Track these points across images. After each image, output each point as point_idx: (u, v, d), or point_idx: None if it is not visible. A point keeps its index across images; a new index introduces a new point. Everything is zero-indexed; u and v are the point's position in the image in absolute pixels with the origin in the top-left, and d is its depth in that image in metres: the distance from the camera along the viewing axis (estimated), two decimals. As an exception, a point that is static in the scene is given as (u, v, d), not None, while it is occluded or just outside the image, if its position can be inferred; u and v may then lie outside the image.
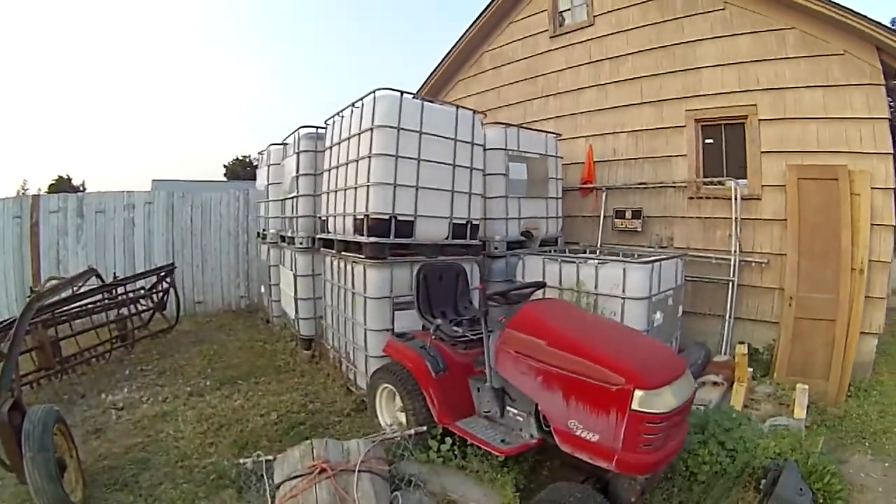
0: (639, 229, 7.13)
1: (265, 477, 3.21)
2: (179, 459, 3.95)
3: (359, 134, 4.79)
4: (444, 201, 5.02)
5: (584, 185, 7.61)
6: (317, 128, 6.37)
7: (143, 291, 7.14)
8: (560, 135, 7.10)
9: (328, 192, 5.49)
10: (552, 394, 2.97)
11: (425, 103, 4.95)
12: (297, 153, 6.37)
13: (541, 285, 4.17)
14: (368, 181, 4.59)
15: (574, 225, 7.76)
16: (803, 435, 4.52)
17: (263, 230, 8.07)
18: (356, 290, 4.86)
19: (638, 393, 2.60)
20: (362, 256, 4.65)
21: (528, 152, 6.41)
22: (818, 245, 5.70)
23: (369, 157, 4.60)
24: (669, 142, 6.96)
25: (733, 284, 6.17)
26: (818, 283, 5.67)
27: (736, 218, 6.22)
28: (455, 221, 5.11)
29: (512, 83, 8.96)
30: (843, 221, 5.58)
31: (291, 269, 6.53)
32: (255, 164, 10.24)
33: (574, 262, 5.20)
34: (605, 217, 7.48)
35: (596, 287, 4.94)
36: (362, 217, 4.68)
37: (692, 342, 6.24)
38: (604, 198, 7.49)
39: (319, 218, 5.87)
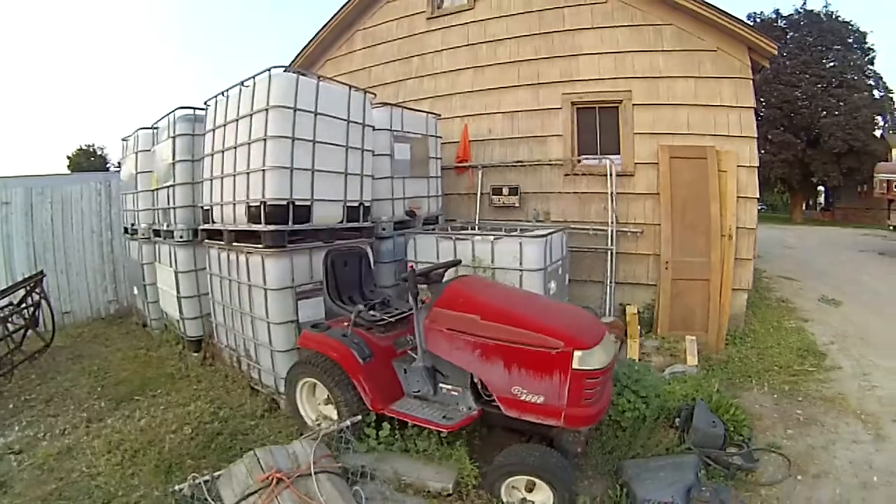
0: (516, 205, 7.34)
1: (210, 500, 2.91)
2: (106, 500, 3.38)
3: (250, 115, 4.38)
4: (339, 184, 4.79)
5: (460, 164, 7.67)
6: (194, 109, 5.75)
7: (11, 308, 5.91)
8: (440, 115, 7.05)
9: (212, 179, 4.96)
10: (492, 365, 3.10)
11: (320, 83, 4.62)
12: (173, 137, 5.69)
13: (456, 263, 4.21)
14: (264, 165, 4.22)
15: (451, 203, 7.79)
16: (701, 378, 5.07)
17: (132, 225, 7.13)
18: (253, 283, 4.50)
19: (577, 353, 2.88)
20: (259, 246, 4.31)
21: (411, 133, 6.27)
22: (689, 215, 6.35)
23: (264, 139, 4.22)
24: (545, 123, 7.24)
25: (612, 253, 6.60)
26: (691, 249, 6.34)
27: (612, 192, 6.65)
28: (349, 204, 4.89)
29: (385, 63, 8.72)
30: (711, 194, 6.26)
31: (171, 266, 5.90)
32: (102, 153, 8.91)
33: (468, 239, 5.22)
34: (482, 194, 7.61)
35: (493, 262, 5.06)
36: (258, 204, 4.30)
37: (579, 306, 6.62)
38: (480, 175, 7.60)
39: (201, 208, 5.28)
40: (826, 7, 25.87)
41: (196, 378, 5.42)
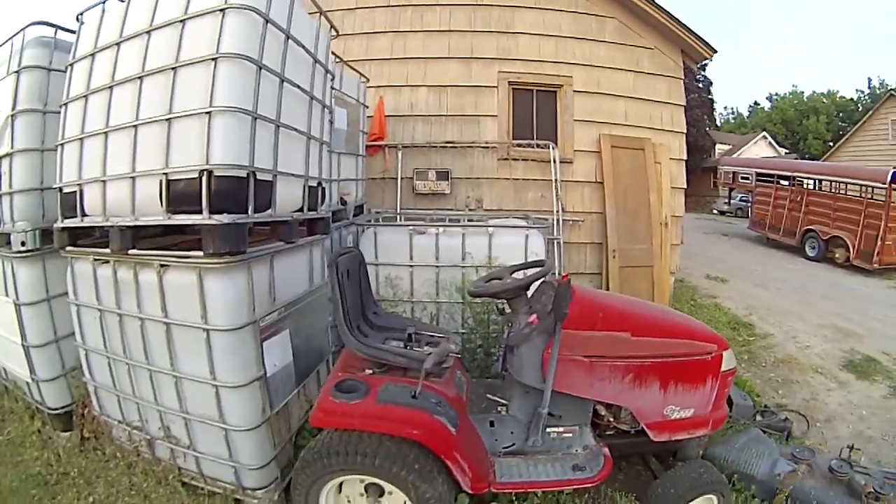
0: (447, 192, 5.93)
1: None
2: None
3: (182, 21, 2.27)
4: (300, 151, 2.83)
5: (374, 143, 5.83)
6: (57, 28, 3.16)
7: None
8: (368, 79, 5.15)
9: (82, 139, 2.64)
10: (645, 389, 2.45)
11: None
12: (17, 72, 3.04)
13: (541, 263, 2.85)
14: (211, 105, 2.13)
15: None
16: None
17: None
18: (177, 320, 2.38)
19: (725, 354, 2.53)
20: (192, 254, 2.25)
21: (348, 95, 4.32)
22: (630, 204, 5.95)
23: (214, 59, 2.15)
24: (479, 101, 5.99)
25: (558, 243, 5.67)
26: (634, 236, 5.98)
27: (556, 179, 5.74)
28: (310, 183, 2.94)
29: None
30: (651, 184, 5.98)
31: (6, 294, 3.27)
32: None
33: (459, 234, 3.80)
34: (402, 179, 5.97)
35: (490, 259, 3.74)
36: (193, 176, 2.17)
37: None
38: (399, 157, 5.98)
39: (59, 190, 2.83)
40: None
41: (83, 479, 2.98)
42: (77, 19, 2.78)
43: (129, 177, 2.36)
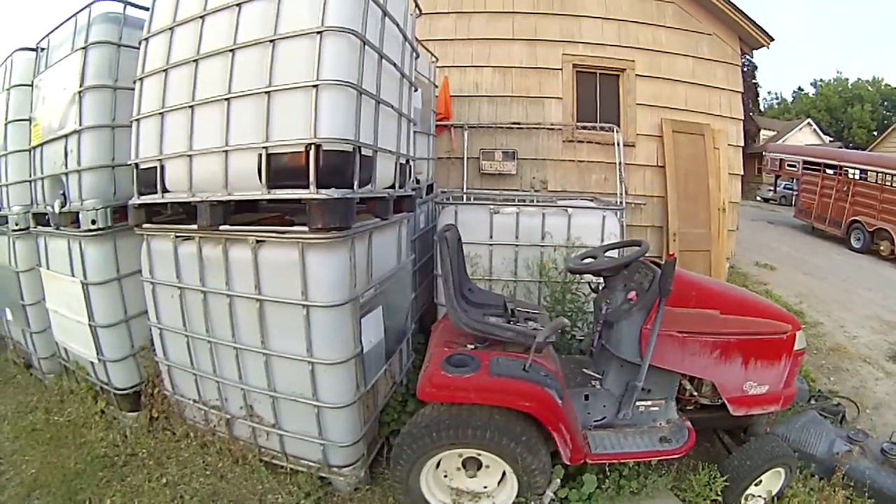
0: (513, 172, 5.92)
1: None
2: None
3: None
4: (393, 128, 2.82)
5: (440, 122, 5.81)
6: (126, 3, 3.12)
7: None
8: (438, 59, 5.16)
9: (163, 113, 2.61)
10: (729, 364, 2.55)
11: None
12: (84, 49, 2.98)
13: (638, 243, 2.81)
14: (318, 79, 2.09)
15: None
16: None
17: (-4, 211, 3.79)
18: (273, 297, 2.36)
19: (798, 335, 2.61)
20: (295, 230, 2.24)
21: (422, 75, 4.32)
22: (691, 188, 6.00)
23: (319, 32, 2.11)
24: (543, 83, 6.00)
25: (622, 224, 5.49)
26: (694, 221, 5.97)
27: (620, 162, 5.75)
28: (400, 160, 2.96)
29: None
30: (710, 169, 5.99)
31: (72, 275, 3.22)
32: None
33: (539, 213, 3.81)
34: (468, 159, 6.00)
35: (569, 239, 3.78)
36: (300, 150, 2.13)
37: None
38: (465, 137, 6.01)
39: (135, 167, 2.78)
40: None
41: (154, 460, 2.95)
42: (148, -7, 2.69)
43: (222, 151, 2.33)
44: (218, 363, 2.69)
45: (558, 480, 2.41)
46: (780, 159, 15.16)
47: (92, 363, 3.35)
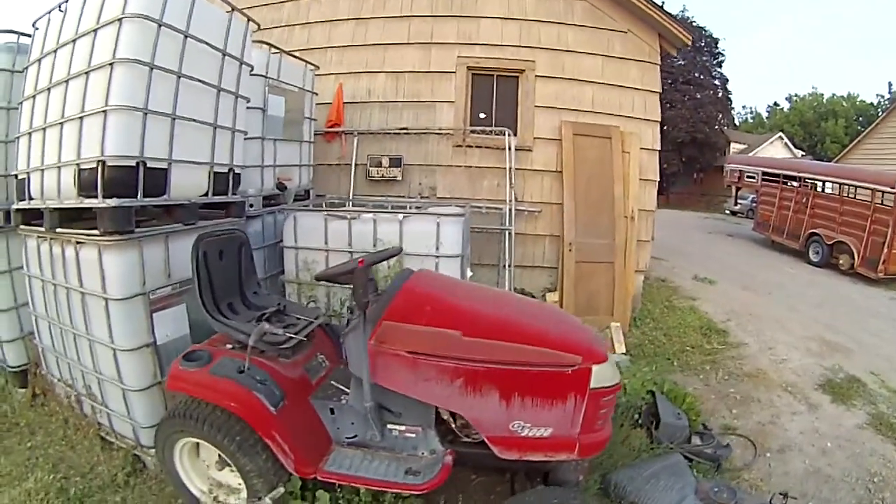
0: (398, 178, 6.00)
1: None
2: None
3: (94, 30, 2.65)
4: (206, 140, 3.15)
5: (332, 129, 6.06)
6: (19, 35, 3.64)
7: None
8: (318, 67, 5.33)
9: (31, 133, 3.10)
10: (482, 398, 2.19)
11: (197, -5, 2.85)
12: None
13: (397, 252, 2.89)
14: (106, 104, 2.52)
15: (317, 175, 6.05)
16: (634, 368, 4.46)
17: None
18: (87, 289, 2.79)
19: (595, 369, 2.16)
20: (95, 232, 2.64)
21: (287, 83, 4.60)
22: (593, 195, 5.77)
23: (111, 64, 2.54)
24: (436, 87, 6.00)
25: (509, 234, 5.63)
26: (595, 230, 5.77)
27: (510, 168, 5.66)
28: (216, 170, 3.26)
29: (251, 7, 6.38)
30: (616, 175, 5.80)
31: None
32: None
33: (370, 219, 3.92)
34: (356, 165, 6.05)
35: (402, 247, 3.73)
36: (93, 166, 2.57)
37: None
38: (355, 143, 6.06)
39: (15, 177, 3.33)
40: (682, 12, 27.81)
41: (28, 428, 3.50)
42: (34, 26, 3.28)
43: (54, 167, 2.80)
44: (66, 346, 3.13)
45: (282, 489, 2.41)
46: (740, 171, 15.17)
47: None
